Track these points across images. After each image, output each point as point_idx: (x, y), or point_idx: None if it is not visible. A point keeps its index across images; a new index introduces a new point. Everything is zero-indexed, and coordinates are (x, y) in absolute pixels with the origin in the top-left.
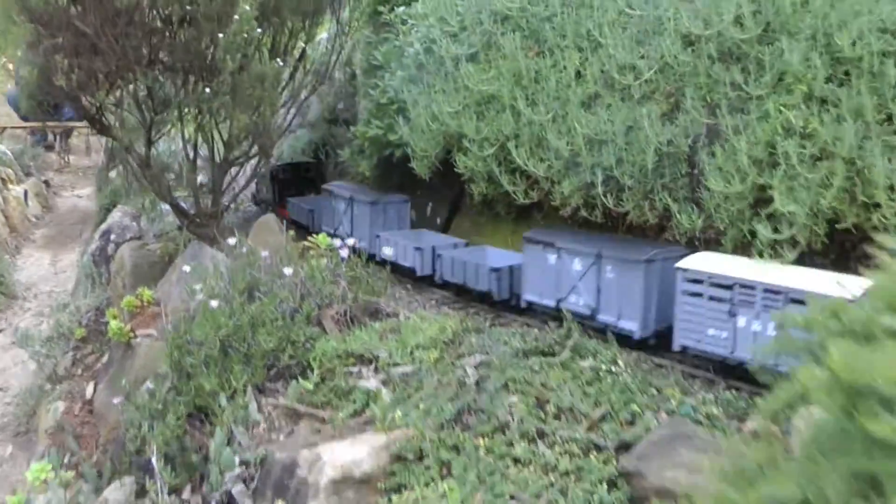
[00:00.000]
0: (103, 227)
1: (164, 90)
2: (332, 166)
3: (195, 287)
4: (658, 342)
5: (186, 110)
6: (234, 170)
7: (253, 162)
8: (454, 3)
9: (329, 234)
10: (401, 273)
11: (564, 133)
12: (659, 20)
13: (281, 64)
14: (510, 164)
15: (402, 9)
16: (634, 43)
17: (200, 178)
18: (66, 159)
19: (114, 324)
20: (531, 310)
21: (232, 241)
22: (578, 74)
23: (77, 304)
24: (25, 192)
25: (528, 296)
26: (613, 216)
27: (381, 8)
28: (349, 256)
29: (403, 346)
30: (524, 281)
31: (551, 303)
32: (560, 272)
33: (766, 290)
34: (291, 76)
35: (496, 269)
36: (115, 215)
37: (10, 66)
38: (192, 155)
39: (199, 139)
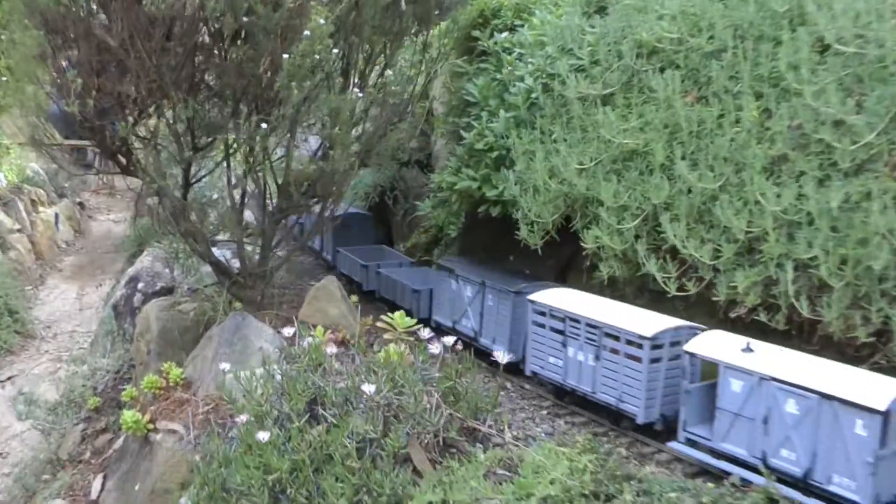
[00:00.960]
0: (131, 271)
1: (207, 121)
2: (399, 215)
3: (237, 398)
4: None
5: (234, 147)
6: (289, 219)
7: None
8: (581, 30)
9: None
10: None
11: (740, 208)
12: (882, 61)
13: (359, 95)
14: (658, 243)
15: (504, 35)
16: (842, 90)
17: (247, 229)
18: (104, 179)
19: (128, 415)
20: (440, 329)
21: (289, 331)
22: (760, 129)
23: (94, 362)
24: (56, 216)
25: (437, 316)
26: (804, 324)
27: (476, 32)
28: (444, 351)
29: (526, 496)
30: (434, 303)
31: (449, 323)
32: (457, 297)
33: (588, 324)
34: (366, 111)
35: (416, 291)
36: (145, 260)
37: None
38: (237, 201)
39: (248, 182)
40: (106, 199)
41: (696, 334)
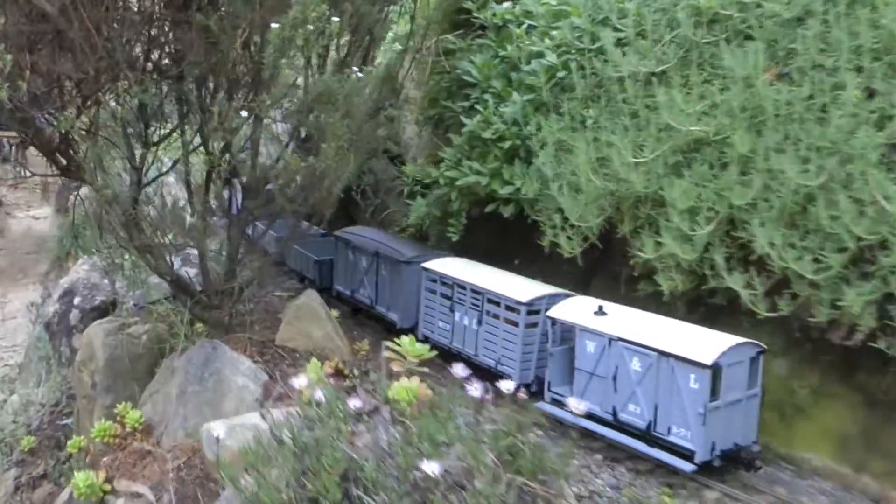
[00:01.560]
0: (64, 283)
1: (163, 108)
2: (368, 212)
3: (238, 479)
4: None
5: (194, 140)
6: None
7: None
8: None
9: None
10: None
11: (847, 209)
12: None
13: (358, 75)
14: (740, 252)
15: (506, 4)
16: None
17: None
18: (22, 173)
19: (80, 478)
20: (340, 298)
21: (300, 382)
22: (868, 112)
23: (26, 393)
24: None
25: (337, 286)
26: None
27: (468, 4)
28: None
29: None
30: (335, 273)
31: (348, 292)
32: (354, 267)
33: (473, 290)
34: (371, 94)
35: (318, 262)
36: (81, 269)
37: None
38: (199, 202)
39: (216, 183)
40: (25, 193)
41: None
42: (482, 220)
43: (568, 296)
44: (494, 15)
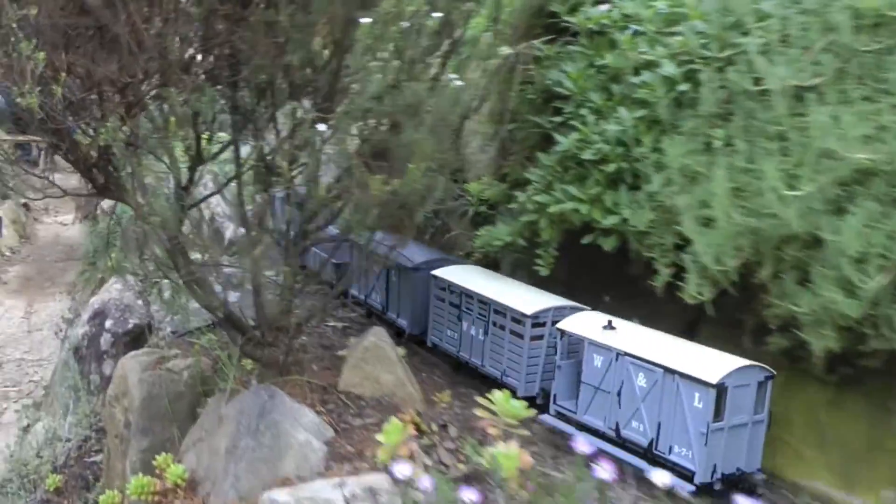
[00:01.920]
0: (94, 303)
1: (216, 118)
2: (428, 235)
3: None
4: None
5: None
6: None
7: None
8: None
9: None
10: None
11: None
12: None
13: (457, 83)
14: None
15: (605, 7)
16: None
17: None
18: (50, 178)
19: None
20: (355, 301)
21: (402, 470)
22: None
23: (52, 425)
24: (0, 220)
25: (352, 290)
26: None
27: (554, 6)
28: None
29: None
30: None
31: (362, 297)
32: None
33: (480, 300)
34: (474, 107)
35: (337, 265)
36: (113, 288)
37: None
38: (254, 226)
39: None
40: (52, 199)
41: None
42: (561, 250)
43: (576, 309)
44: (589, 19)
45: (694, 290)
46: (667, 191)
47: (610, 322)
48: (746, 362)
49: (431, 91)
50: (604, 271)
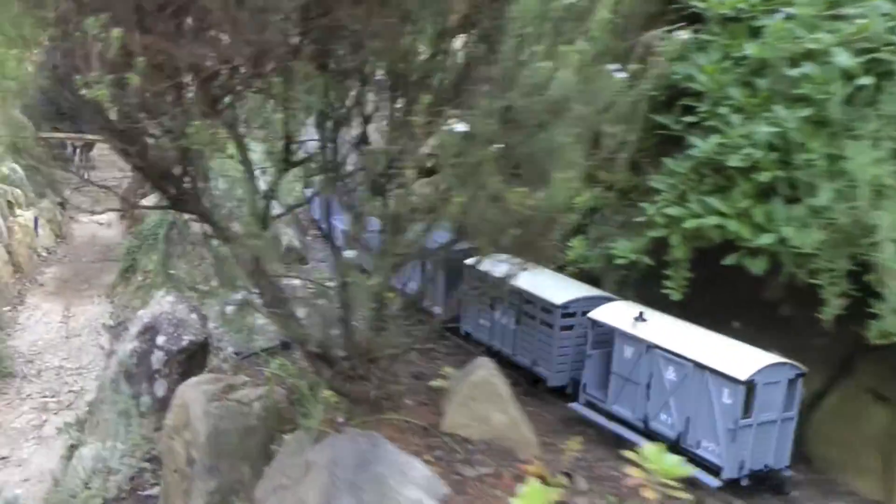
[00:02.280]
0: (144, 317)
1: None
2: None
3: None
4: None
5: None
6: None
7: None
8: None
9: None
10: None
11: None
12: None
13: (619, 74)
14: None
15: None
16: None
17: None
18: (86, 175)
19: None
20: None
21: None
22: None
23: (100, 453)
24: (36, 219)
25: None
26: None
27: None
28: None
29: None
30: None
31: (399, 286)
32: None
33: (511, 291)
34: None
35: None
36: (164, 301)
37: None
38: (352, 240)
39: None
40: (88, 197)
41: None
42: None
43: (608, 299)
44: (722, 3)
45: (892, 327)
46: (841, 206)
47: (641, 313)
48: (777, 359)
49: (582, 84)
50: (731, 294)
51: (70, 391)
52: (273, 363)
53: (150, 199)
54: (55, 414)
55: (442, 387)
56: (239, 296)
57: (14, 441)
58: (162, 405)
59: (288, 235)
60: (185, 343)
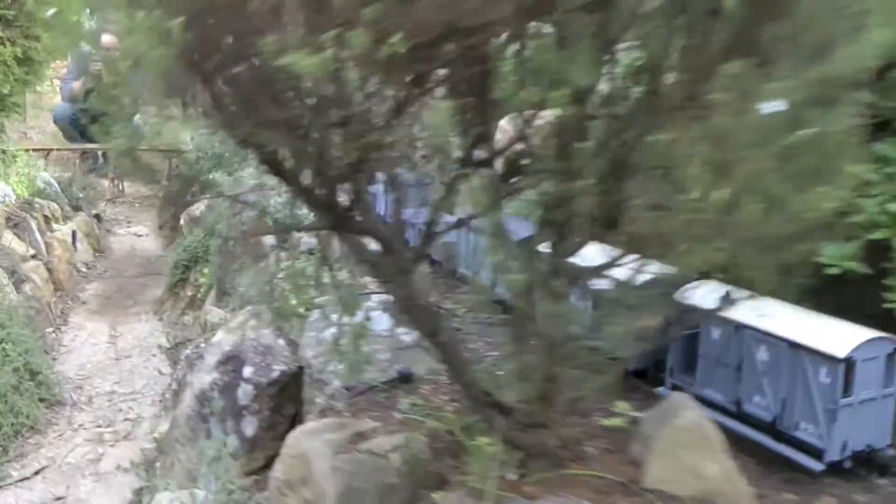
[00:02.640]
0: (225, 345)
1: None
2: None
3: None
4: None
5: None
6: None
7: None
8: None
9: None
10: None
11: None
12: None
13: None
14: None
15: None
16: None
17: None
18: (120, 186)
19: None
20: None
21: None
22: None
23: (180, 500)
24: (74, 234)
25: (461, 269)
26: None
27: None
28: None
29: None
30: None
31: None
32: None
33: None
34: None
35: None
36: (249, 327)
37: (56, 81)
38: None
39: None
40: (124, 208)
41: None
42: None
43: (688, 280)
44: None
45: None
46: None
47: (728, 293)
48: (874, 334)
49: None
50: None
51: (126, 419)
52: (403, 402)
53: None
54: (112, 446)
55: (619, 426)
56: (354, 319)
57: (70, 478)
58: (251, 446)
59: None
60: (275, 374)
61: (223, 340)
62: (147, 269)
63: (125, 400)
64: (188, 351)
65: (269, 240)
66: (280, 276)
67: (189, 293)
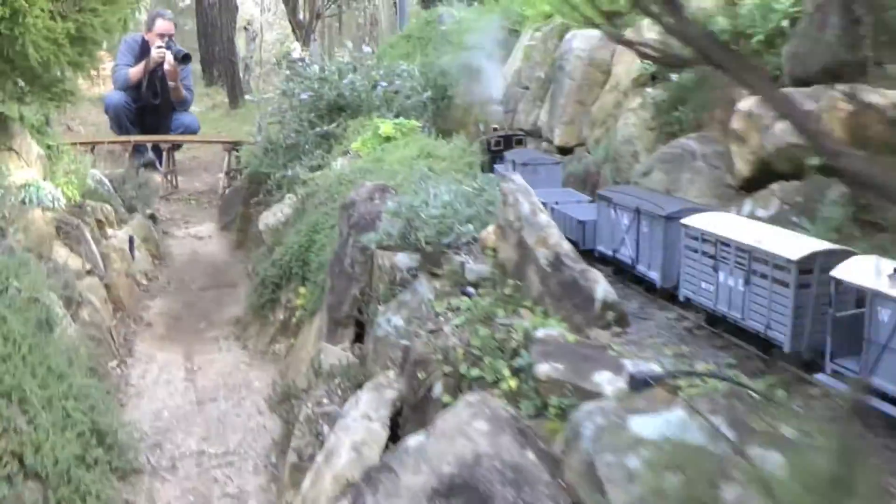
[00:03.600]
0: (443, 463)
1: None
2: None
3: None
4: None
5: None
6: None
7: None
8: None
9: None
10: None
11: None
12: None
13: None
14: None
15: None
16: None
17: None
18: (174, 182)
19: None
20: (603, 259)
21: None
22: None
23: None
24: (131, 240)
25: (599, 246)
26: None
27: None
28: None
29: None
30: (597, 233)
31: (610, 252)
32: (615, 225)
33: (738, 248)
34: None
35: (581, 222)
36: (472, 429)
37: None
38: None
39: None
40: (180, 206)
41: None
42: None
43: (847, 253)
44: None
45: None
46: None
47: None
48: None
49: None
50: None
51: (226, 494)
52: None
53: None
54: None
55: None
56: None
57: None
58: None
59: None
60: None
61: (431, 449)
62: (217, 280)
63: (219, 464)
64: (309, 409)
65: (405, 260)
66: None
67: (281, 317)
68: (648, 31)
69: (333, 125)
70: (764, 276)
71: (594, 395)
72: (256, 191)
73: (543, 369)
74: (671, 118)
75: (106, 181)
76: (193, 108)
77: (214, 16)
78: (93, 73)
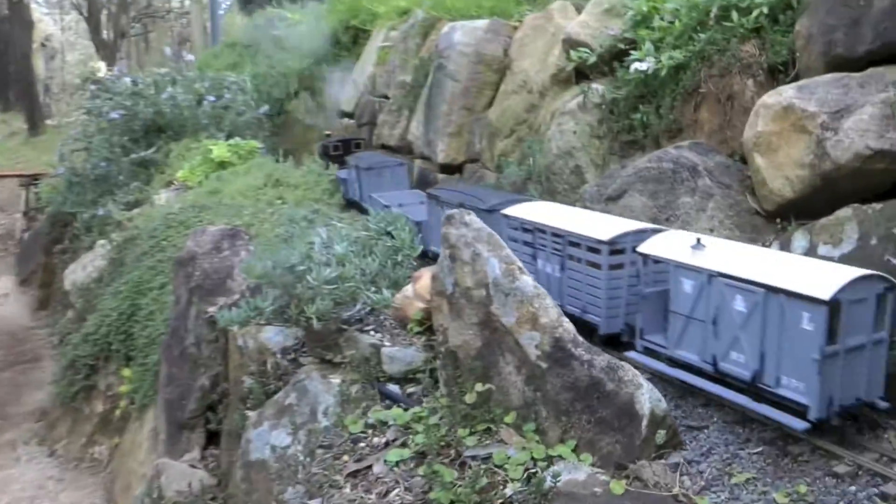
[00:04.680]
0: None
1: None
2: None
3: None
4: None
5: None
6: None
7: None
8: None
9: None
10: None
11: None
12: None
13: None
14: None
15: None
16: None
17: None
18: None
19: None
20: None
21: None
22: None
23: None
24: None
25: (432, 246)
26: None
27: None
28: None
29: None
30: (426, 233)
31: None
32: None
33: (553, 234)
34: None
35: (417, 223)
36: None
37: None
38: None
39: None
40: None
41: None
42: None
43: (658, 230)
44: None
45: None
46: None
47: (699, 240)
48: (862, 272)
49: None
50: None
51: None
52: None
53: None
54: None
55: None
56: None
57: None
58: None
59: None
60: None
61: None
62: (15, 354)
63: None
64: None
65: (278, 339)
66: None
67: (99, 408)
68: (562, 16)
69: (152, 150)
70: (578, 260)
71: None
72: (61, 235)
73: None
74: (630, 122)
75: None
76: None
77: (6, 30)
78: None
